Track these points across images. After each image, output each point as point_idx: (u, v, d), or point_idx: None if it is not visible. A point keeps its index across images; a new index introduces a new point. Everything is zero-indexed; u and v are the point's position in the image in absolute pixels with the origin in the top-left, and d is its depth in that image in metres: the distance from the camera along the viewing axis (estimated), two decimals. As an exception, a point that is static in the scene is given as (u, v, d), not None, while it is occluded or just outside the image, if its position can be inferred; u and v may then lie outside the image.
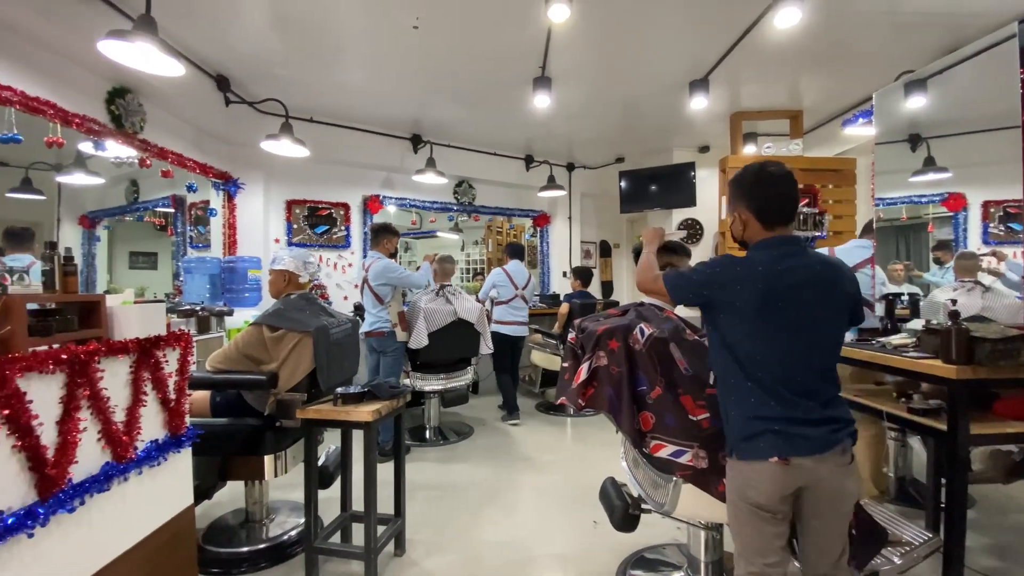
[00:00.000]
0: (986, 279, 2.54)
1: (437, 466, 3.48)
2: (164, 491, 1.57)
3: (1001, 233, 2.69)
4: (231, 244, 4.21)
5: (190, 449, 1.69)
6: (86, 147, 2.98)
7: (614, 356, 1.66)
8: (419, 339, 3.64)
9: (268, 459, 2.21)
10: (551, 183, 5.41)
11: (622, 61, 3.51)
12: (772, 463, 1.27)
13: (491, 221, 6.76)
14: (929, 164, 2.92)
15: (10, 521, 1.05)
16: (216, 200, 4.16)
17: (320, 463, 2.26)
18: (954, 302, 1.92)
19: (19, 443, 1.08)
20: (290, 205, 4.68)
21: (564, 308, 4.70)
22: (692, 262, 1.76)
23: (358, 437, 2.14)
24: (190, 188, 3.72)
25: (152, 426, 1.51)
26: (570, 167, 6.20)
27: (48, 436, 1.15)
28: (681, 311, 1.89)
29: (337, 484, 2.38)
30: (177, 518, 1.62)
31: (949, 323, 1.77)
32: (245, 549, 2.30)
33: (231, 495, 2.73)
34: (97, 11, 2.59)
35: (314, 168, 4.61)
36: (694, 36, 3.18)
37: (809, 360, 1.31)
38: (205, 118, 3.79)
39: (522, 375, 5.72)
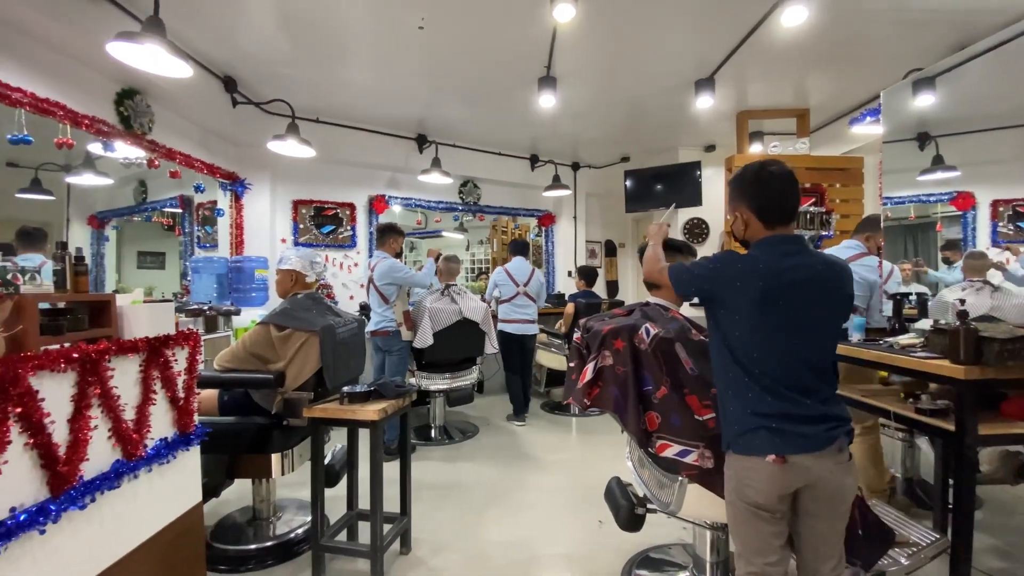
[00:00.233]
0: (995, 278, 2.52)
1: (442, 465, 3.49)
2: (173, 489, 1.59)
3: (1010, 232, 2.67)
4: (238, 244, 4.24)
5: (199, 447, 1.71)
6: (95, 148, 3.01)
7: (619, 356, 1.66)
8: (424, 338, 3.65)
9: (275, 457, 2.23)
10: (556, 183, 5.41)
11: (627, 60, 3.50)
12: (770, 462, 1.27)
13: (496, 221, 6.76)
14: (937, 163, 2.90)
15: (23, 518, 1.06)
16: (223, 200, 4.18)
17: (326, 461, 2.27)
18: (963, 302, 1.91)
19: (31, 440, 1.10)
20: (296, 205, 4.71)
21: (570, 308, 4.69)
22: None
23: (364, 436, 2.15)
24: (197, 188, 3.74)
25: (161, 424, 1.53)
26: (575, 166, 6.19)
27: (60, 434, 1.17)
28: (686, 310, 1.89)
29: (343, 482, 2.39)
30: (186, 515, 1.63)
31: (957, 323, 1.76)
32: (252, 547, 2.31)
33: (239, 493, 2.75)
34: (106, 13, 2.61)
35: (320, 168, 4.63)
36: (700, 35, 3.17)
37: (807, 358, 1.31)
38: (212, 119, 3.81)
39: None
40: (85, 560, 1.25)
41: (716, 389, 1.44)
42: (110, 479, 1.30)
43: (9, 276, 1.43)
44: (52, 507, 1.12)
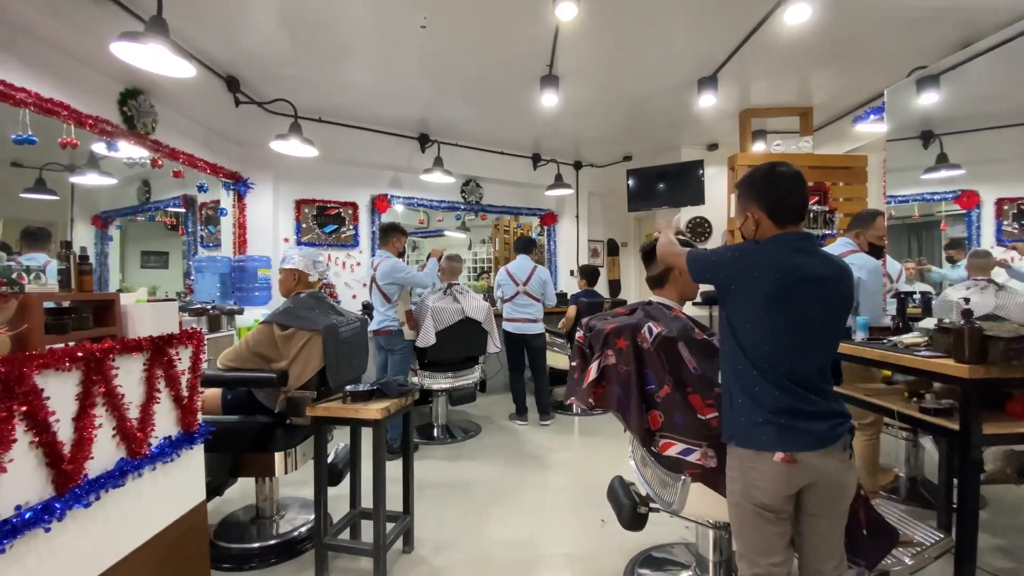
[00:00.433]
0: (1000, 277, 2.51)
1: (445, 464, 3.49)
2: (177, 487, 1.59)
3: (1015, 231, 2.66)
4: (241, 243, 4.25)
5: (202, 446, 1.71)
6: (99, 148, 3.03)
7: (622, 355, 1.66)
8: (427, 337, 3.65)
9: (278, 456, 2.24)
10: (558, 182, 5.40)
11: (630, 58, 3.49)
12: (777, 461, 1.27)
13: (498, 220, 6.76)
14: (942, 161, 2.89)
15: (28, 516, 1.07)
16: (226, 200, 4.19)
17: (329, 460, 2.28)
18: (967, 300, 1.90)
19: (36, 439, 1.10)
20: (299, 204, 4.72)
21: (571, 311, 4.65)
22: None
23: (367, 435, 2.15)
24: (201, 188, 3.75)
25: (165, 423, 1.54)
26: (577, 165, 6.19)
27: (64, 432, 1.17)
28: (689, 310, 1.89)
29: (346, 481, 2.40)
30: (189, 514, 1.64)
31: (962, 322, 1.75)
32: (256, 545, 2.32)
33: (242, 492, 2.76)
34: (109, 13, 2.62)
35: (323, 168, 4.64)
36: (703, 33, 3.17)
37: (816, 354, 1.33)
38: (215, 119, 3.82)
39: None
40: (89, 558, 1.26)
41: (722, 381, 1.44)
42: (115, 477, 1.30)
43: (14, 275, 1.44)
44: (57, 505, 1.13)
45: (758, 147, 4.61)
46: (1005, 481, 2.20)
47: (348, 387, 2.14)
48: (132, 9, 2.69)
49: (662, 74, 3.74)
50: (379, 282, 3.61)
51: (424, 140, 5.05)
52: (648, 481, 1.83)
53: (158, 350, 1.50)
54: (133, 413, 1.39)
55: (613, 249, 6.84)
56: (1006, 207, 2.72)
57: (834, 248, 2.63)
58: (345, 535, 2.31)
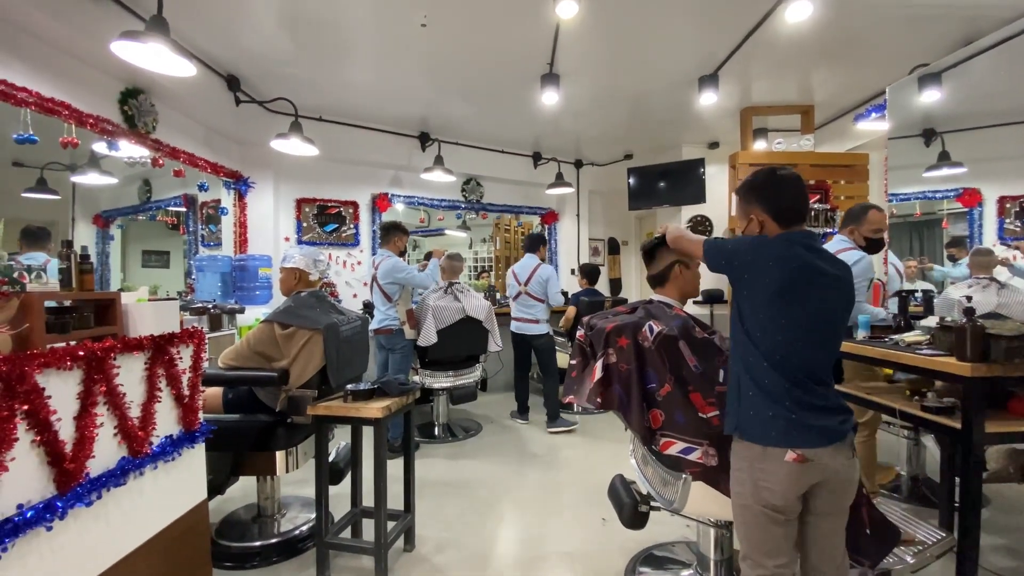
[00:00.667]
0: (1002, 275, 2.50)
1: (446, 463, 3.49)
2: (178, 486, 1.59)
3: (1017, 229, 2.65)
4: (242, 242, 4.25)
5: (203, 444, 1.71)
6: (100, 147, 3.02)
7: (623, 353, 1.66)
8: (428, 336, 3.65)
9: (280, 455, 2.24)
10: (559, 180, 5.40)
11: (630, 57, 3.49)
12: (789, 462, 1.27)
13: (499, 219, 6.75)
14: (943, 159, 2.89)
15: (30, 514, 1.07)
16: (227, 199, 4.20)
17: (331, 459, 2.28)
18: (969, 299, 1.89)
19: (38, 438, 1.10)
20: (300, 204, 4.72)
21: (571, 311, 4.61)
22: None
23: (368, 433, 2.15)
24: (201, 187, 3.76)
25: (167, 422, 1.54)
26: (578, 164, 6.19)
27: (66, 431, 1.17)
28: (690, 308, 1.88)
29: (347, 480, 2.40)
30: (191, 512, 1.64)
31: (964, 320, 1.75)
32: (257, 544, 2.32)
33: (243, 490, 2.77)
34: (110, 13, 2.62)
35: (323, 167, 4.64)
36: (704, 31, 3.16)
37: (823, 348, 1.34)
38: (216, 118, 3.82)
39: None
40: (91, 557, 1.26)
41: (731, 373, 1.44)
42: (116, 476, 1.30)
43: (15, 274, 1.44)
44: (59, 504, 1.13)
45: (759, 145, 4.60)
46: (1007, 480, 2.20)
47: (349, 386, 2.14)
48: (133, 8, 2.69)
49: (663, 72, 3.73)
50: (380, 281, 3.61)
51: (424, 139, 5.05)
52: (649, 479, 1.83)
53: (159, 349, 1.50)
54: (134, 412, 1.39)
55: (614, 248, 6.83)
56: (1008, 205, 2.71)
57: (830, 246, 2.63)
58: (346, 534, 2.32)
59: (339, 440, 2.55)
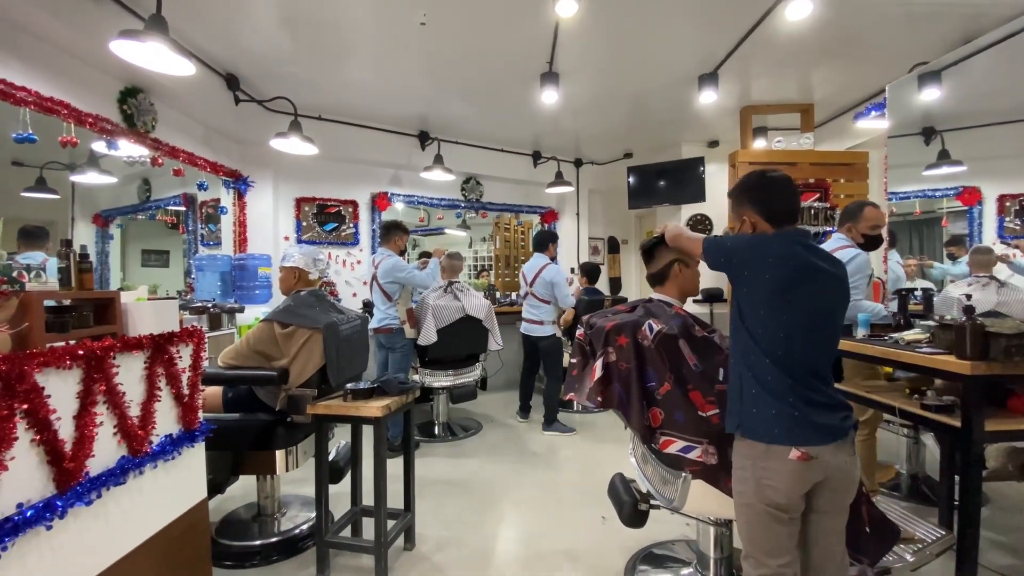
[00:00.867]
0: (1002, 274, 2.50)
1: (446, 461, 3.49)
2: (178, 485, 1.59)
3: (1017, 227, 2.65)
4: (241, 242, 4.25)
5: (203, 444, 1.71)
6: (99, 146, 3.02)
7: (623, 352, 1.66)
8: (428, 335, 3.65)
9: (279, 454, 2.24)
10: (559, 179, 5.39)
11: (630, 55, 3.48)
12: (793, 460, 1.27)
13: (499, 218, 6.75)
14: (943, 157, 2.89)
15: (29, 514, 1.07)
16: (226, 198, 4.19)
17: (331, 458, 2.28)
18: (969, 297, 1.89)
19: (38, 437, 1.10)
20: (299, 203, 4.71)
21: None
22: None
23: (368, 432, 2.15)
24: (201, 186, 3.75)
25: (166, 421, 1.54)
26: (578, 163, 6.18)
27: (66, 430, 1.17)
28: (690, 307, 1.88)
29: (347, 479, 2.40)
30: (191, 511, 1.64)
31: (963, 318, 1.75)
32: (257, 543, 2.33)
33: (243, 489, 2.77)
34: (109, 12, 2.61)
35: (323, 166, 4.63)
36: (703, 29, 3.15)
37: (824, 346, 1.35)
38: (215, 117, 3.82)
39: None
40: (91, 556, 1.26)
41: (732, 370, 1.44)
42: (116, 475, 1.30)
43: (15, 274, 1.44)
44: (58, 503, 1.13)
45: (759, 144, 4.59)
46: (1007, 478, 2.20)
47: (349, 385, 2.14)
48: (131, 7, 2.68)
49: (663, 71, 3.72)
50: (380, 280, 3.61)
51: (424, 138, 5.04)
52: (649, 478, 1.83)
53: (159, 348, 1.50)
54: (134, 411, 1.39)
55: (614, 247, 6.83)
56: (1008, 203, 2.72)
57: (829, 244, 2.63)
58: (346, 532, 2.32)
59: (339, 439, 2.55)
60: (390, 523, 2.18)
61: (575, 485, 3.07)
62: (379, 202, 5.03)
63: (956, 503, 1.88)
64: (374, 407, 2.02)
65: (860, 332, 2.37)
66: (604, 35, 3.19)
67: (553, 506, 2.81)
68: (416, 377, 3.82)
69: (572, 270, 6.12)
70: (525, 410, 4.45)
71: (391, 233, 3.72)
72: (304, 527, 2.43)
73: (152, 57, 2.29)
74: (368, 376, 2.50)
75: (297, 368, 2.17)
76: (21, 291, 1.42)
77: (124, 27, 2.24)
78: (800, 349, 1.31)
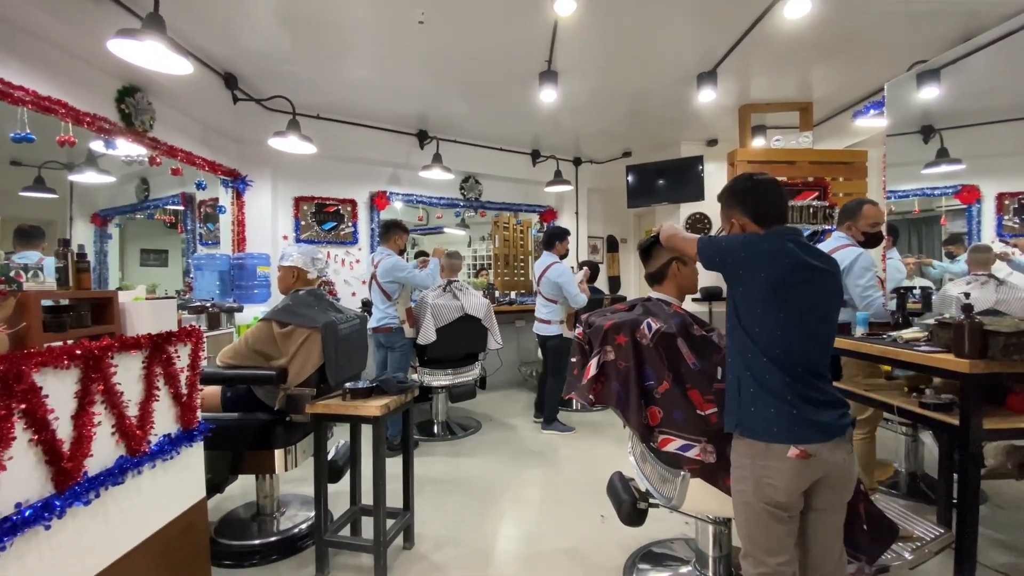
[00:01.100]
0: (1001, 272, 2.51)
1: (445, 460, 3.50)
2: (177, 484, 1.59)
3: (1016, 226, 2.66)
4: (240, 241, 4.24)
5: (202, 443, 1.71)
6: (97, 146, 3.02)
7: (621, 351, 1.66)
8: (427, 335, 3.65)
9: (278, 453, 2.24)
10: (558, 178, 5.39)
11: (629, 54, 3.48)
12: (792, 458, 1.27)
13: (498, 217, 6.74)
14: (942, 156, 2.89)
15: (27, 513, 1.07)
16: (225, 197, 4.19)
17: (329, 457, 2.28)
18: (967, 295, 1.90)
19: (36, 437, 1.10)
20: (298, 202, 4.71)
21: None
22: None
23: (367, 432, 2.15)
24: (199, 186, 3.75)
25: (165, 420, 1.54)
26: (577, 162, 6.18)
27: (64, 430, 1.17)
28: (688, 306, 1.88)
29: (346, 478, 2.40)
30: (190, 511, 1.64)
31: (962, 316, 1.75)
32: (256, 542, 2.33)
33: (242, 489, 2.77)
34: (106, 10, 2.61)
35: (321, 165, 4.63)
36: (702, 28, 3.15)
37: (820, 343, 1.35)
38: (213, 116, 3.81)
39: (528, 370, 5.70)
40: (89, 556, 1.26)
41: (729, 369, 1.44)
42: (114, 475, 1.30)
43: (12, 273, 1.43)
44: (57, 503, 1.13)
45: (758, 142, 4.59)
46: (1005, 476, 2.21)
47: (348, 384, 2.14)
48: (129, 6, 2.67)
49: (661, 69, 3.72)
50: (379, 279, 3.60)
51: (423, 136, 5.04)
52: (647, 477, 1.83)
53: (157, 348, 1.50)
54: (132, 411, 1.39)
55: (613, 245, 6.83)
56: (1007, 202, 2.72)
57: (829, 243, 2.64)
58: (345, 531, 2.32)
59: (338, 438, 2.55)
60: (389, 522, 2.18)
61: (574, 484, 3.07)
62: (378, 201, 5.03)
63: (955, 501, 1.88)
64: (373, 406, 2.02)
65: (859, 331, 2.37)
66: (603, 33, 3.19)
67: (552, 505, 2.81)
68: (415, 376, 3.82)
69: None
70: (540, 410, 4.42)
71: (390, 232, 3.72)
72: (303, 526, 2.43)
73: (150, 56, 2.29)
74: (367, 375, 2.50)
75: (296, 367, 2.17)
76: (19, 291, 1.42)
77: (122, 26, 2.24)
78: (797, 347, 1.31)
